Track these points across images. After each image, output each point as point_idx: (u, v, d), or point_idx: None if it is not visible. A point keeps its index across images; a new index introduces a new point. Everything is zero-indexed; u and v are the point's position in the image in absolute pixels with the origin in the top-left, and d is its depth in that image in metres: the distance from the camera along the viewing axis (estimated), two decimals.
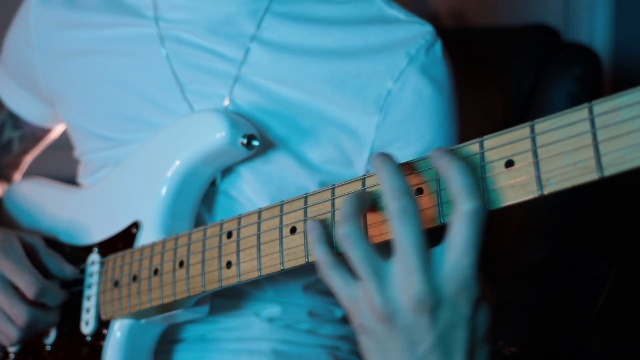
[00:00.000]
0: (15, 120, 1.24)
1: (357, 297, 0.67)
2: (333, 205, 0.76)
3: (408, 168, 0.70)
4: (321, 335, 1.11)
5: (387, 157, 0.67)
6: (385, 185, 0.66)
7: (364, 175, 0.74)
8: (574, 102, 1.42)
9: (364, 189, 0.73)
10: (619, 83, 1.97)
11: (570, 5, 2.08)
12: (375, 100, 1.00)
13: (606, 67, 1.93)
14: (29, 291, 0.97)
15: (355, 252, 0.66)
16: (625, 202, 1.82)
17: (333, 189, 0.77)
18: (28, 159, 1.32)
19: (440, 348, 0.65)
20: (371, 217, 0.72)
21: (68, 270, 1.03)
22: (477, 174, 0.66)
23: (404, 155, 0.98)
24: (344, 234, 0.67)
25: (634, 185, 1.71)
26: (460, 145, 0.67)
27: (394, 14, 1.03)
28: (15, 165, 1.32)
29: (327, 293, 1.13)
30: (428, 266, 0.64)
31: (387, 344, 0.66)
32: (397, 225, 0.64)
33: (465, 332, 0.65)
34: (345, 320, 1.16)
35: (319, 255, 0.70)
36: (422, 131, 1.01)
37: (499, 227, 1.40)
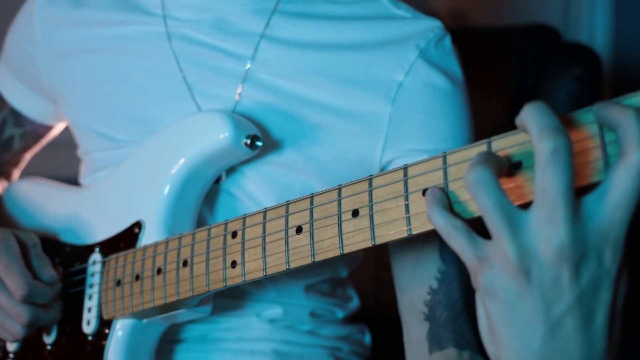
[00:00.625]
0: (16, 118, 1.23)
1: (484, 255, 0.61)
2: (340, 206, 0.75)
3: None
4: (322, 336, 1.11)
5: (538, 102, 0.59)
6: (534, 124, 0.58)
7: (371, 175, 0.74)
8: (574, 102, 1.43)
9: (371, 189, 0.73)
10: (619, 83, 1.97)
11: (570, 5, 2.08)
12: (386, 93, 0.99)
13: (606, 67, 1.93)
14: (17, 293, 0.95)
15: (486, 200, 0.59)
16: None
17: (339, 189, 0.76)
18: (28, 156, 1.32)
19: (580, 308, 0.58)
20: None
21: (47, 274, 1.00)
22: None
23: (421, 148, 0.98)
24: (473, 180, 0.60)
25: None
26: (468, 146, 0.67)
27: (401, 13, 1.03)
28: (16, 163, 1.31)
29: (328, 294, 1.13)
30: (575, 216, 0.57)
31: (518, 304, 0.60)
32: (545, 168, 0.57)
33: (610, 292, 0.59)
34: (345, 321, 1.16)
35: (439, 219, 0.64)
36: (438, 122, 0.99)
37: None
